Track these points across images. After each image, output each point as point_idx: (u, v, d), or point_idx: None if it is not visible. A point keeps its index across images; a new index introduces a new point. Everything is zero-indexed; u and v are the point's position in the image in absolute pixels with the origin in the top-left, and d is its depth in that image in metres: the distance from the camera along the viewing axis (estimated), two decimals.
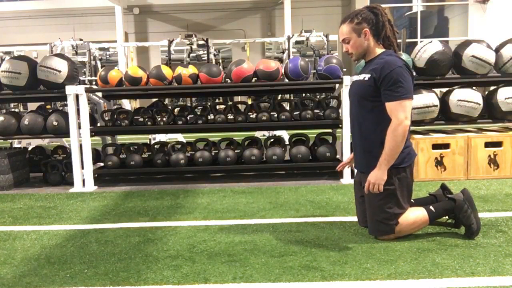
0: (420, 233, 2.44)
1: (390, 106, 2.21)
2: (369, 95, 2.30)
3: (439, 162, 3.89)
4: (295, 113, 4.19)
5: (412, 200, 2.56)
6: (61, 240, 2.56)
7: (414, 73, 4.09)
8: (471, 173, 3.91)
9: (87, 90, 4.11)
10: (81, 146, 4.06)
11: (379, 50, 2.36)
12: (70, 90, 4.00)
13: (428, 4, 14.01)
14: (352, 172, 4.01)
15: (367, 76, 2.31)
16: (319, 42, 9.46)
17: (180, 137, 7.49)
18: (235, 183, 4.03)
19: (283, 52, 9.75)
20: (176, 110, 4.43)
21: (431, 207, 2.36)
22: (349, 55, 2.40)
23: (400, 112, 2.17)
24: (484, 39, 4.04)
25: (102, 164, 4.51)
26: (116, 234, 2.63)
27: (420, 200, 2.61)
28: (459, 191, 2.43)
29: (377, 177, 2.22)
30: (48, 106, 7.27)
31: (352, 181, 3.93)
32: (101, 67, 9.56)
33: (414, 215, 2.34)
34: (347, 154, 4.00)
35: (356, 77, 2.45)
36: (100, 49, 9.94)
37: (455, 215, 2.36)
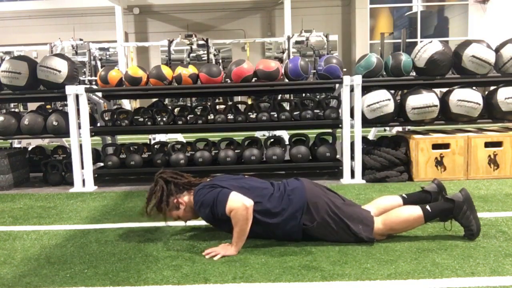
0: (420, 233, 2.44)
1: (228, 210, 2.23)
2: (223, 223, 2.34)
3: (439, 162, 3.89)
4: (295, 113, 4.19)
5: (404, 195, 2.55)
6: (61, 240, 2.56)
7: (414, 73, 4.10)
8: (471, 173, 3.91)
9: (87, 90, 4.11)
10: (81, 146, 4.06)
11: (191, 199, 2.42)
12: (70, 90, 4.00)
13: (428, 4, 14.01)
14: (352, 172, 4.02)
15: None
16: (319, 42, 9.45)
17: (180, 137, 7.49)
18: None
19: (283, 52, 9.75)
20: (176, 110, 4.43)
21: (427, 207, 2.32)
22: (186, 222, 2.52)
23: (235, 203, 2.22)
24: (484, 39, 4.04)
25: (102, 164, 4.51)
26: (116, 234, 2.63)
27: (413, 195, 2.58)
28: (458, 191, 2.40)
29: (226, 249, 2.25)
30: (48, 106, 7.27)
31: (352, 182, 3.94)
32: (101, 67, 9.56)
33: (408, 212, 2.31)
34: (347, 154, 4.00)
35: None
36: (100, 49, 9.94)
37: (454, 216, 2.31)
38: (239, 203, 2.20)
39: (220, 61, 11.19)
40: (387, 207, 2.43)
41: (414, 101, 3.92)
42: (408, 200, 2.52)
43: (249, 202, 2.23)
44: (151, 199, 2.43)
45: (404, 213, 2.32)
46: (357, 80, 3.93)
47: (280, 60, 9.79)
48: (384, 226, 2.31)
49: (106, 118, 4.30)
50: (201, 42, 9.46)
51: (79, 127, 4.08)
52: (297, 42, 9.37)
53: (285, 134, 6.76)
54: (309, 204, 2.29)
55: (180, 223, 2.80)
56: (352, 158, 4.04)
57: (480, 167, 3.90)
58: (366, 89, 4.04)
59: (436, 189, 2.57)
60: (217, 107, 4.45)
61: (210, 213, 2.29)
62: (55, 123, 4.15)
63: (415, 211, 2.31)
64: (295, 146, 4.17)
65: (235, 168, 4.19)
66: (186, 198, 2.44)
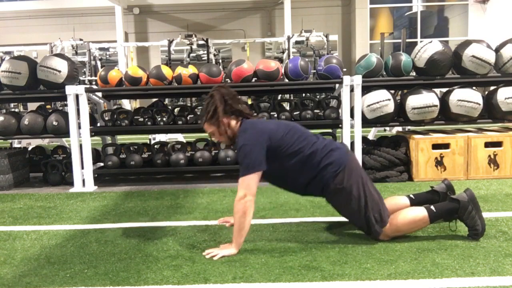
0: (420, 233, 2.44)
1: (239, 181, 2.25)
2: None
3: (439, 162, 3.89)
4: (295, 113, 4.19)
5: (412, 196, 2.55)
6: (61, 240, 2.56)
7: (414, 73, 4.10)
8: (471, 173, 3.91)
9: (87, 90, 4.11)
10: (81, 146, 4.06)
11: (237, 127, 2.40)
12: (70, 90, 4.00)
13: (428, 4, 14.01)
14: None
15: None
16: (319, 42, 9.46)
17: (180, 137, 7.49)
18: (235, 183, 4.00)
19: (283, 52, 9.76)
20: (176, 110, 4.43)
21: (432, 207, 2.32)
22: (221, 143, 2.47)
23: (240, 189, 2.22)
24: (484, 39, 4.04)
25: (102, 164, 4.51)
26: (116, 234, 2.63)
27: (421, 195, 2.59)
28: (461, 191, 2.40)
29: (226, 248, 2.24)
30: (48, 106, 7.27)
31: None
32: (101, 67, 9.56)
33: (413, 214, 2.32)
34: None
35: None
36: (100, 49, 9.95)
37: (459, 216, 2.31)
38: (245, 191, 2.20)
39: (220, 61, 11.20)
40: (394, 208, 2.43)
41: (414, 101, 3.93)
42: (416, 201, 2.52)
43: (252, 195, 2.21)
44: (205, 110, 2.39)
45: (410, 215, 2.32)
46: (357, 80, 3.93)
47: (280, 60, 9.80)
48: (390, 226, 2.31)
49: (106, 118, 4.30)
50: (201, 42, 9.47)
51: (79, 127, 4.08)
52: (297, 42, 9.37)
53: None
54: (346, 167, 2.29)
55: (180, 223, 2.80)
56: None
57: (480, 167, 3.90)
58: (366, 89, 4.04)
59: (445, 189, 2.57)
60: None
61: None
62: (55, 123, 4.15)
63: (420, 212, 2.32)
64: None
65: (235, 168, 4.19)
66: (233, 122, 2.39)
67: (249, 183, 2.22)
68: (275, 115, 4.15)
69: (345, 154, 2.35)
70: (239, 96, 2.44)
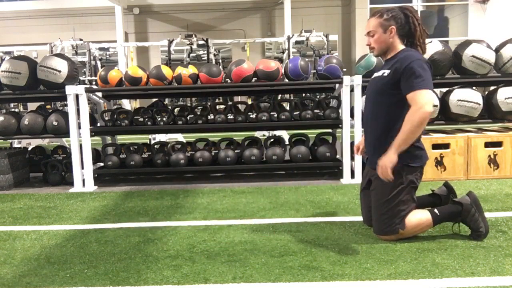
0: (420, 233, 2.44)
1: (409, 96, 2.21)
2: (386, 91, 2.32)
3: (439, 162, 3.89)
4: (295, 113, 4.19)
5: None
6: (61, 240, 2.56)
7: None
8: (471, 173, 3.91)
9: (87, 90, 4.11)
10: (81, 146, 4.06)
11: (400, 47, 2.38)
12: (70, 90, 4.00)
13: (428, 4, 14.01)
14: (352, 172, 4.01)
15: (386, 72, 2.33)
16: (319, 42, 9.45)
17: (180, 137, 7.50)
18: (235, 183, 4.03)
19: (283, 52, 9.75)
20: (176, 110, 4.43)
21: (435, 210, 2.33)
22: (370, 49, 2.43)
23: (419, 99, 2.16)
24: (484, 39, 4.04)
25: (102, 164, 4.51)
26: (116, 234, 2.63)
27: (422, 198, 2.59)
28: (460, 192, 2.40)
29: (386, 159, 2.20)
30: (48, 106, 7.27)
31: (352, 182, 3.94)
32: (101, 67, 9.56)
33: (418, 217, 2.32)
34: (347, 154, 4.00)
35: (375, 74, 2.48)
36: (100, 49, 9.93)
37: (462, 219, 2.32)
38: (430, 105, 2.16)
39: (220, 61, 11.19)
40: None
41: None
42: (417, 203, 2.51)
43: (431, 109, 2.17)
44: (387, 9, 2.35)
45: (414, 218, 2.32)
46: (357, 80, 3.93)
47: (280, 60, 9.79)
48: None
49: (106, 118, 4.30)
50: (201, 42, 9.45)
51: (79, 127, 4.08)
52: (297, 42, 9.36)
53: (285, 134, 6.76)
54: (423, 166, 2.36)
55: (180, 223, 2.81)
56: (352, 158, 4.04)
57: (480, 167, 3.90)
58: (366, 89, 4.03)
59: (445, 192, 2.58)
60: (217, 107, 4.45)
61: (395, 79, 2.24)
62: (55, 123, 4.15)
63: (424, 215, 2.33)
64: (295, 146, 4.17)
65: (235, 168, 4.20)
66: (396, 40, 2.35)
67: (430, 97, 2.17)
68: (275, 115, 4.15)
69: (426, 156, 2.39)
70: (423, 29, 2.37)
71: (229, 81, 4.17)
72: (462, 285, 1.82)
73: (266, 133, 7.00)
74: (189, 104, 7.06)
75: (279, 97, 6.42)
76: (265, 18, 13.55)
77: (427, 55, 3.86)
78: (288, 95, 6.63)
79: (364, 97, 2.71)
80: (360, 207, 2.72)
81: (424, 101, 2.15)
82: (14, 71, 4.06)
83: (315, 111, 4.16)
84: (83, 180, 4.06)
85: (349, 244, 2.32)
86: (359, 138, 3.97)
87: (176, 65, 5.12)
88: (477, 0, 12.71)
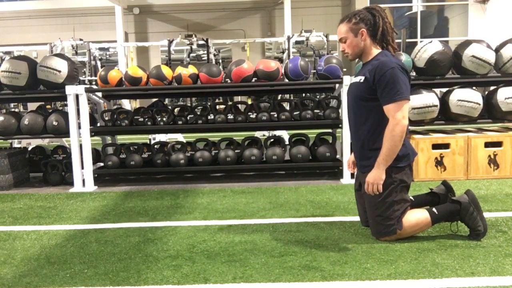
0: (420, 233, 2.43)
1: (386, 109, 2.24)
2: (364, 97, 2.32)
3: (439, 162, 3.89)
4: (295, 113, 4.19)
5: (411, 197, 2.55)
6: (61, 240, 2.56)
7: (414, 73, 4.10)
8: (471, 173, 3.91)
9: (87, 90, 4.11)
10: (81, 146, 4.06)
11: (375, 51, 2.37)
12: (70, 90, 4.00)
13: (428, 4, 14.02)
14: (352, 172, 4.01)
15: (362, 78, 2.33)
16: (319, 42, 9.45)
17: (180, 137, 7.50)
18: (235, 183, 4.03)
19: (283, 52, 9.75)
20: (176, 110, 4.43)
21: (434, 209, 2.33)
22: (345, 55, 2.42)
23: (397, 112, 2.19)
24: (484, 39, 4.03)
25: (102, 164, 4.51)
26: (116, 234, 2.63)
27: (420, 197, 2.59)
28: (460, 192, 2.40)
29: (375, 177, 2.23)
30: (48, 106, 7.27)
31: (352, 181, 3.94)
32: (101, 67, 9.56)
33: (416, 217, 2.32)
34: (347, 154, 4.00)
35: (353, 79, 2.47)
36: (100, 49, 9.94)
37: (460, 218, 2.32)
38: (406, 118, 2.18)
39: (220, 61, 11.20)
40: None
41: (414, 101, 3.92)
42: (415, 202, 2.51)
43: (407, 120, 2.20)
44: (354, 13, 2.36)
45: (413, 218, 2.32)
46: None
47: (280, 60, 9.80)
48: None
49: (106, 118, 4.30)
50: (201, 42, 9.46)
51: (79, 127, 4.08)
52: (297, 42, 9.36)
53: (285, 134, 6.76)
54: (411, 164, 2.35)
55: (180, 223, 2.81)
56: None
57: (480, 167, 3.90)
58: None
59: (444, 191, 2.57)
60: (217, 107, 4.46)
61: (370, 86, 2.25)
62: (55, 123, 4.15)
63: (422, 215, 2.32)
64: (295, 146, 4.17)
65: (235, 168, 4.20)
66: (368, 42, 2.35)
67: (405, 108, 2.19)
68: (275, 115, 4.15)
69: (414, 153, 2.39)
70: (391, 28, 2.39)
71: (229, 81, 4.17)
72: (462, 285, 1.82)
73: (266, 133, 7.00)
74: (189, 104, 7.06)
75: (279, 97, 6.42)
76: (265, 18, 13.56)
77: (427, 55, 3.87)
78: (288, 95, 6.63)
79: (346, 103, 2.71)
80: None
81: (401, 115, 2.18)
82: (14, 71, 4.06)
83: (315, 111, 4.16)
84: (83, 180, 4.06)
85: (349, 244, 2.32)
86: None
87: (176, 65, 5.13)
88: (477, 0, 12.72)
